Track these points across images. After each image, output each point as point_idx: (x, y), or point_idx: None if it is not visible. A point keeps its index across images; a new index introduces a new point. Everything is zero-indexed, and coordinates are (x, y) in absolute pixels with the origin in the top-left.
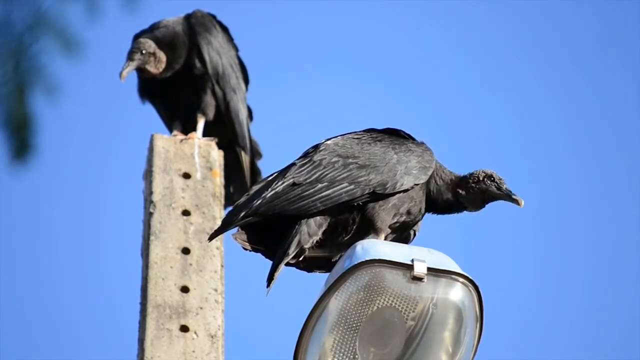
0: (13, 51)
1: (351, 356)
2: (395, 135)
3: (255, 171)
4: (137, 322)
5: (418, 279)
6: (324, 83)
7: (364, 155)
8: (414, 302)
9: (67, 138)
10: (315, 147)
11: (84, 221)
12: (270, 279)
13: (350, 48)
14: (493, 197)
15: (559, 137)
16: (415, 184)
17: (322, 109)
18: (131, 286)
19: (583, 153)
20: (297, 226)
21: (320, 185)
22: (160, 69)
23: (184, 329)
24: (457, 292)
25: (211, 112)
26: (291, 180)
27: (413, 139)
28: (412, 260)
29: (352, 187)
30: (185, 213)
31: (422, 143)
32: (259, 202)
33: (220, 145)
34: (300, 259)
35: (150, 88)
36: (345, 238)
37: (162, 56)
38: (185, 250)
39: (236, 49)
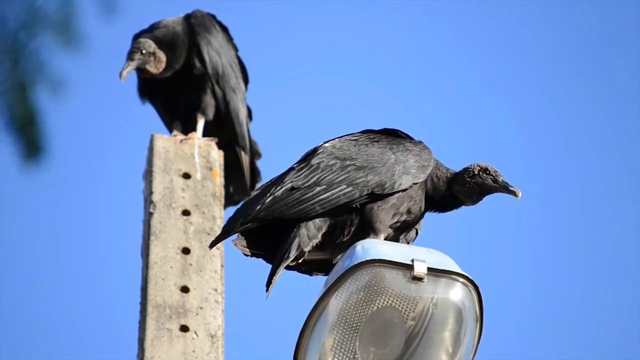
0: (9, 49)
1: (351, 356)
2: (393, 135)
3: (254, 171)
4: (137, 322)
5: (418, 279)
6: (324, 83)
7: (362, 157)
8: (414, 302)
9: (67, 138)
10: (313, 151)
11: (84, 221)
12: (269, 283)
13: (350, 48)
14: (490, 190)
15: (558, 137)
16: (414, 183)
17: (322, 109)
18: (131, 286)
19: (583, 153)
20: (296, 229)
21: (318, 189)
22: (160, 69)
23: (184, 329)
24: (457, 292)
25: (211, 112)
26: (290, 185)
27: (411, 138)
28: (412, 260)
29: (350, 188)
30: (185, 213)
31: (420, 142)
32: (258, 207)
33: (220, 145)
34: (300, 261)
35: (150, 88)
36: (345, 239)
37: (162, 56)
38: (185, 250)
39: (236, 49)
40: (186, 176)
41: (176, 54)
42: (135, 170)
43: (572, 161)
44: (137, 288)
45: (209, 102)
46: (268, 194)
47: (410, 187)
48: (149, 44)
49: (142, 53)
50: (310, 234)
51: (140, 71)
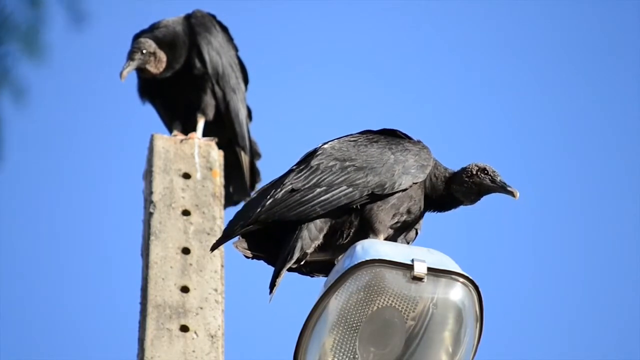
0: None
1: (351, 356)
2: (392, 136)
3: (254, 171)
4: (137, 322)
5: (418, 279)
6: (324, 83)
7: (361, 157)
8: (414, 302)
9: (68, 138)
10: (312, 152)
11: (84, 221)
12: (272, 285)
13: (350, 48)
14: (487, 190)
15: (558, 137)
16: (414, 183)
17: (322, 109)
18: (131, 286)
19: (583, 153)
20: (297, 231)
21: (318, 190)
22: (161, 69)
23: (184, 329)
24: (457, 292)
25: (211, 112)
26: (290, 187)
27: (409, 138)
28: (412, 260)
29: (350, 189)
30: (185, 213)
31: (419, 141)
32: (258, 210)
33: (220, 145)
34: (302, 263)
35: (150, 88)
36: (347, 240)
37: (162, 56)
38: (185, 250)
39: (236, 49)
40: (186, 176)
41: (176, 54)
42: (135, 170)
43: (572, 161)
44: (137, 288)
45: (209, 102)
46: (268, 197)
47: (410, 187)
48: (149, 44)
49: (142, 53)
50: (311, 236)
51: (141, 71)
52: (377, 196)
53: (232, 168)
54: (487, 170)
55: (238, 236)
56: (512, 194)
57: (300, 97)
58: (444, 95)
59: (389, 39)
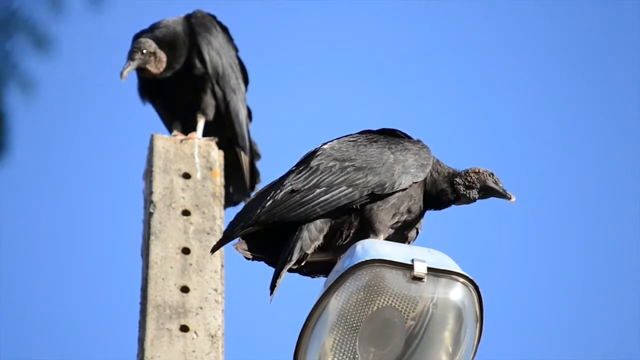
0: None
1: (351, 356)
2: (391, 135)
3: (254, 172)
4: (137, 322)
5: (418, 279)
6: (324, 83)
7: (361, 157)
8: (414, 302)
9: (68, 138)
10: (312, 153)
11: (84, 221)
12: (273, 286)
13: (350, 48)
14: (488, 189)
15: (558, 137)
16: (414, 182)
17: (322, 110)
18: (131, 286)
19: (583, 153)
20: (298, 232)
21: (318, 191)
22: (161, 69)
23: (184, 329)
24: (457, 292)
25: (211, 112)
26: (289, 187)
27: (409, 137)
28: (412, 260)
29: (350, 189)
30: (185, 213)
31: (418, 141)
32: (258, 211)
33: (220, 146)
34: (303, 264)
35: (150, 88)
36: (347, 240)
37: (163, 56)
38: (185, 250)
39: (236, 50)
40: (186, 176)
41: (177, 54)
42: (135, 170)
43: (572, 161)
44: (137, 288)
45: (209, 102)
46: (268, 198)
47: (410, 186)
48: (150, 44)
49: (142, 53)
50: (311, 236)
51: (141, 71)
52: (377, 196)
53: (232, 168)
54: (492, 174)
55: (238, 237)
56: (508, 197)
57: (300, 97)
58: (443, 95)
59: (389, 39)
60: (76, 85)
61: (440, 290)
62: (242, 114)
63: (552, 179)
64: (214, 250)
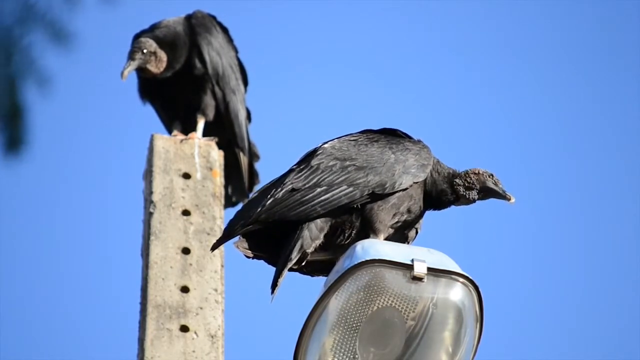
0: (3, 44)
1: (351, 356)
2: (392, 135)
3: (253, 173)
4: (137, 322)
5: (418, 279)
6: (324, 84)
7: (362, 157)
8: (414, 302)
9: (67, 138)
10: (312, 152)
11: (84, 221)
12: (274, 285)
13: (350, 48)
14: (488, 190)
15: (558, 137)
16: (414, 182)
17: (322, 110)
18: (131, 286)
19: (583, 153)
20: (298, 231)
21: (319, 190)
22: (161, 69)
23: (184, 329)
24: (457, 292)
25: (211, 113)
26: (290, 186)
27: (410, 137)
28: (412, 260)
29: (351, 189)
30: (185, 213)
31: (419, 141)
32: (259, 209)
33: (219, 146)
34: (303, 263)
35: (150, 88)
36: (347, 240)
37: (163, 56)
38: (185, 250)
39: (236, 50)
40: (186, 176)
41: (177, 54)
42: (135, 170)
43: (572, 161)
44: (137, 288)
45: (209, 102)
46: (269, 196)
47: (411, 186)
48: (150, 44)
49: (143, 52)
50: (312, 235)
51: (141, 70)
52: (378, 196)
53: (230, 169)
54: (493, 175)
55: (238, 236)
56: (508, 198)
57: (300, 97)
58: (443, 95)
59: (389, 39)
60: (76, 84)
61: (440, 290)
62: (242, 115)
63: (551, 179)
64: (214, 248)
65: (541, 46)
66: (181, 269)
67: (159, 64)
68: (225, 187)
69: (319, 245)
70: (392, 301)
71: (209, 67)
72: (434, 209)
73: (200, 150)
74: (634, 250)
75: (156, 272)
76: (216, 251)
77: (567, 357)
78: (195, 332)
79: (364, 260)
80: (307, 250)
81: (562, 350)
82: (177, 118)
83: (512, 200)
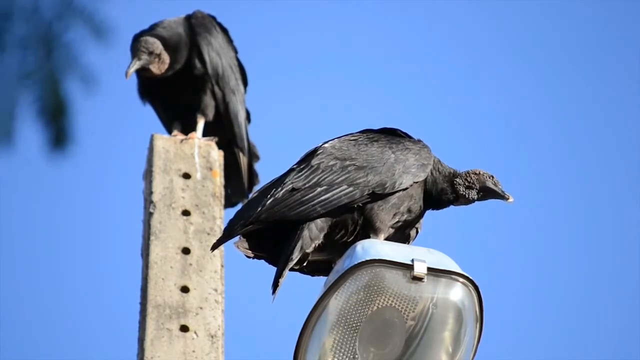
0: (44, 39)
1: (351, 356)
2: (392, 135)
3: (252, 173)
4: (137, 322)
5: (418, 279)
6: (324, 84)
7: (362, 157)
8: (414, 302)
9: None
10: (313, 151)
11: (84, 221)
12: (275, 285)
13: (350, 48)
14: (487, 190)
15: (558, 137)
16: (415, 182)
17: (322, 111)
18: (131, 286)
19: (582, 152)
20: (299, 231)
21: (319, 189)
22: (162, 70)
23: (184, 329)
24: (457, 292)
25: (211, 113)
26: (290, 186)
27: (410, 137)
28: (412, 260)
29: (351, 189)
30: (185, 213)
31: (419, 140)
32: (259, 209)
33: (219, 146)
34: (304, 263)
35: (150, 88)
36: (348, 239)
37: (167, 58)
38: (185, 250)
39: (235, 51)
40: (186, 176)
41: (178, 55)
42: (135, 170)
43: (572, 161)
44: (137, 288)
45: (209, 102)
46: (269, 196)
47: (411, 186)
48: (157, 46)
49: (149, 53)
50: (312, 235)
51: (142, 70)
52: (378, 195)
53: (230, 169)
54: (493, 176)
55: (239, 236)
56: (506, 198)
57: (300, 97)
58: (443, 95)
59: (389, 39)
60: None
61: (440, 290)
62: (241, 115)
63: (551, 179)
64: (214, 248)
65: (541, 46)
66: (181, 269)
67: (161, 66)
68: (225, 187)
69: (320, 245)
70: (392, 301)
71: (208, 67)
72: (434, 209)
73: (200, 150)
74: (634, 250)
75: (156, 272)
76: (216, 251)
77: (567, 357)
78: (195, 332)
79: (364, 260)
80: (307, 250)
81: (562, 350)
82: (177, 118)
83: (511, 200)
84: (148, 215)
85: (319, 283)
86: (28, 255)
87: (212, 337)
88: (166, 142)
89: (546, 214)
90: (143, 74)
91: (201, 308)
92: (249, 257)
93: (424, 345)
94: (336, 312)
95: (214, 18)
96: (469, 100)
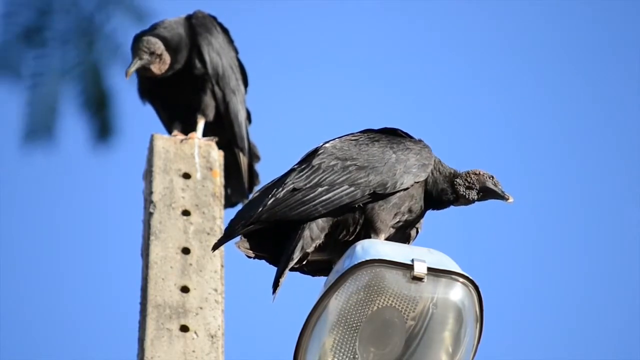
0: (85, 32)
1: (351, 356)
2: (393, 135)
3: (252, 173)
4: (137, 322)
5: (418, 279)
6: (324, 84)
7: (363, 157)
8: (414, 302)
9: (67, 138)
10: (313, 151)
11: (84, 221)
12: (275, 285)
13: (350, 48)
14: (487, 191)
15: (558, 137)
16: (415, 182)
17: (322, 111)
18: (131, 286)
19: (582, 153)
20: (299, 231)
21: (320, 189)
22: (163, 70)
23: (184, 329)
24: (457, 292)
25: (211, 113)
26: (291, 186)
27: (410, 137)
28: (412, 260)
29: (352, 189)
30: (185, 213)
31: (420, 140)
32: (260, 209)
33: (219, 146)
34: (304, 263)
35: (150, 88)
36: (348, 239)
37: (167, 58)
38: (185, 250)
39: (236, 51)
40: (186, 176)
41: (179, 55)
42: (135, 170)
43: (572, 161)
44: (137, 288)
45: (209, 102)
46: (270, 196)
47: (412, 186)
48: (159, 46)
49: (151, 54)
50: (313, 235)
51: (143, 70)
52: (379, 195)
53: (230, 170)
54: (493, 177)
55: (240, 236)
56: (506, 198)
57: (300, 97)
58: (444, 95)
59: (389, 39)
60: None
61: (440, 290)
62: (242, 116)
63: (551, 179)
64: (215, 248)
65: (541, 46)
66: (181, 269)
67: (162, 66)
68: (225, 187)
69: (320, 245)
70: (392, 301)
71: (209, 67)
72: (434, 209)
73: (200, 150)
74: (634, 250)
75: (156, 272)
76: (216, 251)
77: (567, 357)
78: (195, 332)
79: (364, 260)
80: (308, 250)
81: (562, 350)
82: (177, 118)
83: (511, 200)
84: (148, 215)
85: (319, 283)
86: (28, 255)
87: (212, 337)
88: (166, 142)
89: (546, 214)
90: (143, 74)
91: (201, 308)
92: (250, 257)
93: (424, 345)
94: (336, 312)
95: (214, 18)
96: (469, 100)
